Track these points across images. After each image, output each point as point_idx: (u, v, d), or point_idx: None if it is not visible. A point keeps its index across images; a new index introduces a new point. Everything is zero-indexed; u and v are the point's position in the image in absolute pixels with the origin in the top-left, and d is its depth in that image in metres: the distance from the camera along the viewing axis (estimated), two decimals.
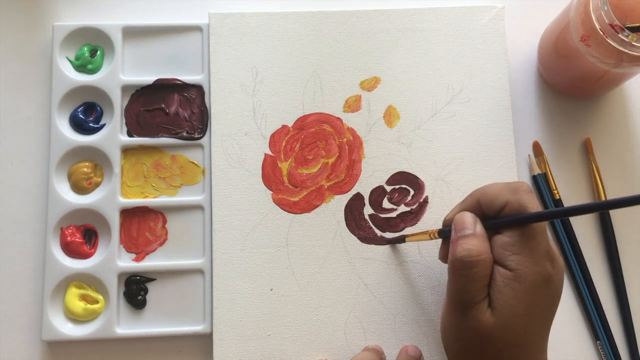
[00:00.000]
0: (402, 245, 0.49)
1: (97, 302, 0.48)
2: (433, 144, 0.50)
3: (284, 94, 0.51)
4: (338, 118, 0.51)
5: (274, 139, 0.50)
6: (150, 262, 0.48)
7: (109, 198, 0.49)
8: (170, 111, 0.51)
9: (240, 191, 0.49)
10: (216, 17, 0.51)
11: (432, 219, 0.49)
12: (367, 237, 0.49)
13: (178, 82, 0.51)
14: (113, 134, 0.50)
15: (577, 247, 0.50)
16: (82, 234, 0.49)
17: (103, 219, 0.49)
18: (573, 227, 0.50)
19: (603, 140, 0.52)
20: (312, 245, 0.49)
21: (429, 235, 0.43)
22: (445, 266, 0.40)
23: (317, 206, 0.49)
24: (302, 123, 0.51)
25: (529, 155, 0.52)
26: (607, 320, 0.49)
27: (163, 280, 0.48)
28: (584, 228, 0.51)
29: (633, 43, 0.42)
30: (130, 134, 0.50)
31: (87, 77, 0.51)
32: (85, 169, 0.50)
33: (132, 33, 0.51)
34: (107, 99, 0.50)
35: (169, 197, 0.50)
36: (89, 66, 0.51)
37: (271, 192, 0.49)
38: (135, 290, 0.48)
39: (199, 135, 0.50)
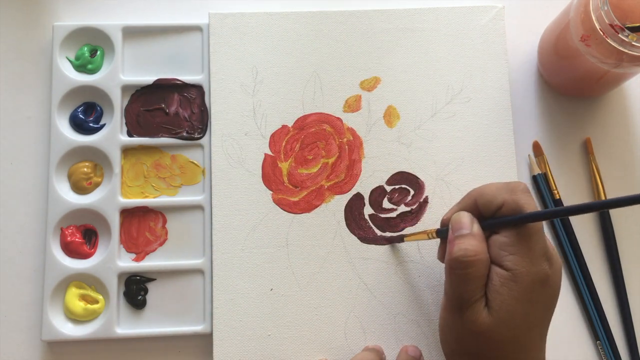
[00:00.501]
0: (402, 245, 0.49)
1: (97, 302, 0.48)
2: (433, 144, 0.50)
3: (284, 94, 0.51)
4: (338, 118, 0.51)
5: (274, 139, 0.50)
6: (150, 262, 0.48)
7: (109, 198, 0.49)
8: (170, 111, 0.51)
9: (240, 191, 0.49)
10: (216, 17, 0.51)
11: (432, 219, 0.49)
12: (367, 237, 0.49)
13: (178, 82, 0.51)
14: (113, 134, 0.50)
15: (577, 247, 0.50)
16: (82, 234, 0.49)
17: (103, 219, 0.49)
18: (573, 227, 0.50)
19: (603, 140, 0.52)
20: (312, 245, 0.49)
21: (427, 235, 0.43)
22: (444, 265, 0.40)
23: (317, 206, 0.49)
24: (302, 123, 0.51)
25: (529, 155, 0.52)
26: (607, 320, 0.49)
27: (163, 280, 0.48)
28: (584, 228, 0.51)
29: (633, 43, 0.42)
30: (130, 134, 0.50)
31: (87, 77, 0.51)
32: (85, 169, 0.50)
33: (132, 33, 0.51)
34: (107, 99, 0.50)
35: (169, 197, 0.50)
36: (89, 66, 0.51)
37: (271, 192, 0.49)
38: (135, 290, 0.48)
39: (199, 135, 0.50)
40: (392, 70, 0.51)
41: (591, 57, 0.45)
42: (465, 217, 0.39)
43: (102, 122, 0.51)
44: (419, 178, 0.50)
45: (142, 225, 0.49)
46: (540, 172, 0.51)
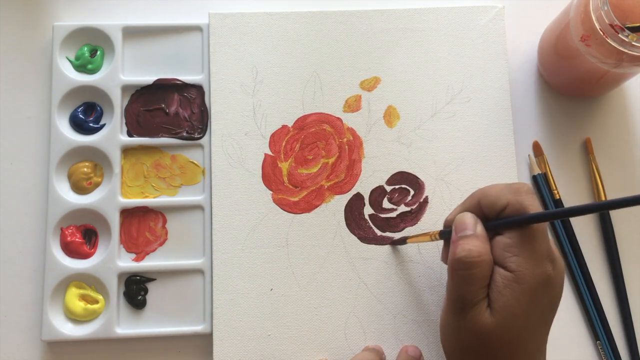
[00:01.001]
0: (402, 245, 0.49)
1: (97, 302, 0.48)
2: (433, 144, 0.50)
3: (284, 94, 0.51)
4: (338, 118, 0.51)
5: (274, 139, 0.50)
6: (150, 262, 0.48)
7: (109, 198, 0.49)
8: (170, 111, 0.51)
9: (240, 191, 0.49)
10: (216, 17, 0.51)
11: (432, 219, 0.49)
12: (367, 237, 0.49)
13: (178, 82, 0.51)
14: (113, 134, 0.50)
15: (577, 247, 0.50)
16: (82, 234, 0.49)
17: (103, 219, 0.49)
18: (573, 227, 0.50)
19: (603, 140, 0.52)
20: (312, 245, 0.49)
21: (430, 236, 0.43)
22: (445, 266, 0.40)
23: (317, 206, 0.49)
24: (302, 123, 0.51)
25: (529, 155, 0.52)
26: (607, 320, 0.49)
27: (163, 280, 0.48)
28: (584, 228, 0.51)
29: (633, 43, 0.42)
30: (130, 134, 0.50)
31: (87, 77, 0.51)
32: (85, 169, 0.50)
33: (132, 33, 0.51)
34: (107, 99, 0.50)
35: (169, 197, 0.50)
36: (89, 66, 0.51)
37: (271, 192, 0.49)
38: (135, 290, 0.48)
39: (199, 135, 0.50)
40: (392, 70, 0.51)
41: (591, 57, 0.45)
42: (469, 218, 0.38)
43: (102, 122, 0.51)
44: (419, 178, 0.50)
45: (142, 225, 0.49)
46: (540, 172, 0.51)
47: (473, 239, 0.37)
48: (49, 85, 0.50)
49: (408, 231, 0.49)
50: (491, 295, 0.37)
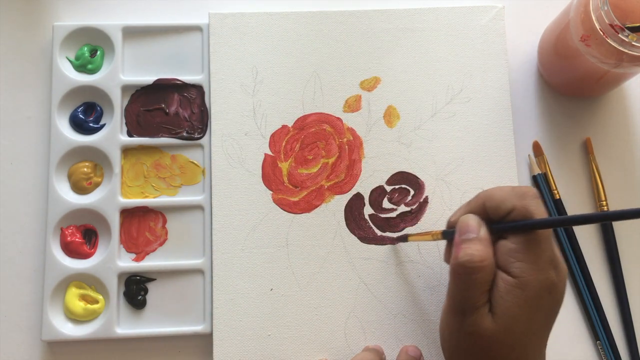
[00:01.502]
0: (402, 245, 0.49)
1: (97, 302, 0.48)
2: (433, 144, 0.50)
3: (284, 94, 0.51)
4: (338, 118, 0.51)
5: (274, 139, 0.50)
6: (150, 262, 0.48)
7: (109, 198, 0.49)
8: (170, 111, 0.51)
9: (240, 191, 0.49)
10: (216, 17, 0.51)
11: (432, 219, 0.49)
12: (367, 237, 0.49)
13: (178, 82, 0.51)
14: (113, 134, 0.50)
15: (577, 247, 0.50)
16: (82, 234, 0.49)
17: (103, 219, 0.49)
18: (573, 228, 0.50)
19: (603, 140, 0.52)
20: (312, 245, 0.49)
21: (432, 236, 0.43)
22: (445, 266, 0.40)
23: (317, 206, 0.49)
24: (302, 123, 0.51)
25: (529, 155, 0.52)
26: (607, 320, 0.49)
27: (163, 280, 0.48)
28: (585, 228, 0.51)
29: (633, 43, 0.42)
30: (130, 134, 0.50)
31: (87, 77, 0.51)
32: (85, 169, 0.50)
33: (132, 33, 0.51)
34: (107, 99, 0.50)
35: (169, 197, 0.50)
36: (89, 66, 0.51)
37: (271, 192, 0.49)
38: (135, 290, 0.48)
39: (199, 135, 0.50)
40: (392, 70, 0.51)
41: (591, 57, 0.45)
42: (473, 220, 0.38)
43: (102, 122, 0.51)
44: (419, 178, 0.50)
45: (142, 225, 0.49)
46: (540, 172, 0.51)
47: (476, 243, 0.36)
48: (49, 85, 0.50)
49: (408, 231, 0.49)
50: (493, 299, 0.36)
